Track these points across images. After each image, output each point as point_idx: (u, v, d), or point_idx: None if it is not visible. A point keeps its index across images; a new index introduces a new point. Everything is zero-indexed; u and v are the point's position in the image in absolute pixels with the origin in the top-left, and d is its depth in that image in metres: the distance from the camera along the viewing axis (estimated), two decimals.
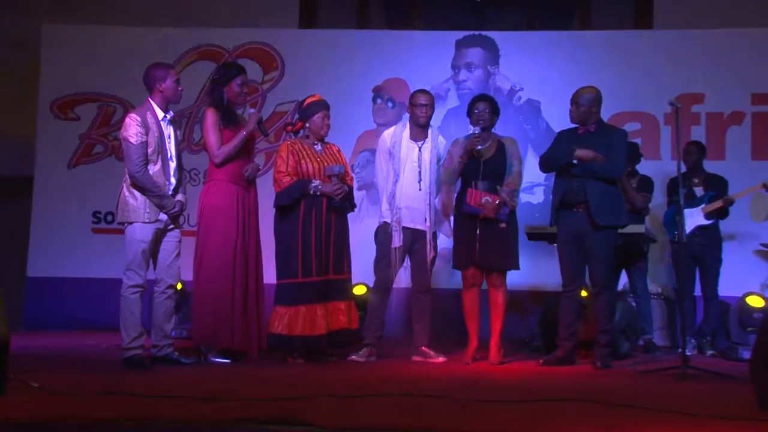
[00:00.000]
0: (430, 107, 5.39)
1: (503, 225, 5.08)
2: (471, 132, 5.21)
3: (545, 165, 5.31)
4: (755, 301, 6.15)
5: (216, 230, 4.92)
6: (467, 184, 5.20)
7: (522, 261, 5.30)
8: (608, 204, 5.05)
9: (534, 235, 6.00)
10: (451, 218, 5.30)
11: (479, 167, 5.16)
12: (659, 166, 7.12)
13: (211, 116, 4.97)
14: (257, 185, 5.19)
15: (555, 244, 5.37)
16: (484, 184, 5.12)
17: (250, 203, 5.05)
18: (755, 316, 6.00)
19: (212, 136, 4.95)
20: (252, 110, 5.14)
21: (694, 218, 6.17)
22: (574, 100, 5.18)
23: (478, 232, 5.11)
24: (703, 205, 6.21)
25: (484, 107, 5.24)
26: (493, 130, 5.32)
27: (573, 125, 5.25)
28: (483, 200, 5.08)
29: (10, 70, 8.09)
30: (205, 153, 5.09)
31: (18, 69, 8.06)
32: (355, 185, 5.81)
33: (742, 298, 6.23)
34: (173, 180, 4.79)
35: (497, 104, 5.36)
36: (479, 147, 5.14)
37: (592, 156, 5.00)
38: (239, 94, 5.05)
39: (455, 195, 5.29)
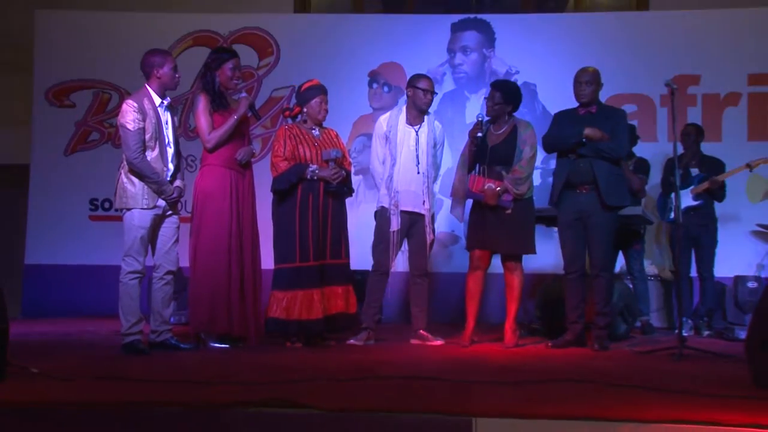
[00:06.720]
0: (431, 93, 5.39)
1: (508, 212, 5.07)
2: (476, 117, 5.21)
3: (550, 146, 5.25)
4: None
5: (210, 215, 4.91)
6: (474, 169, 5.20)
7: None
8: (615, 184, 5.04)
9: None
10: (468, 203, 5.30)
11: (486, 152, 5.16)
12: (656, 148, 7.12)
13: (202, 101, 4.96)
14: (254, 170, 5.18)
15: (552, 227, 5.36)
16: (490, 170, 5.12)
17: (244, 187, 5.03)
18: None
19: (203, 121, 4.94)
20: (243, 94, 5.12)
21: (684, 199, 6.18)
22: (581, 80, 5.13)
23: (487, 216, 5.11)
24: (692, 186, 6.24)
25: (491, 95, 5.22)
26: (515, 114, 5.29)
27: (570, 107, 5.23)
28: (486, 186, 5.08)
29: (4, 57, 8.04)
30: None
31: (12, 56, 8.01)
32: (353, 170, 5.81)
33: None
34: (171, 166, 4.78)
35: (511, 91, 5.24)
36: (479, 134, 5.12)
37: (600, 135, 4.99)
38: (231, 78, 5.02)
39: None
